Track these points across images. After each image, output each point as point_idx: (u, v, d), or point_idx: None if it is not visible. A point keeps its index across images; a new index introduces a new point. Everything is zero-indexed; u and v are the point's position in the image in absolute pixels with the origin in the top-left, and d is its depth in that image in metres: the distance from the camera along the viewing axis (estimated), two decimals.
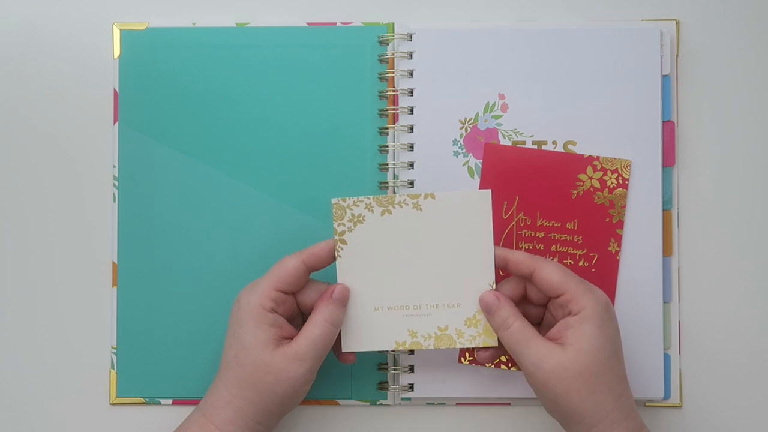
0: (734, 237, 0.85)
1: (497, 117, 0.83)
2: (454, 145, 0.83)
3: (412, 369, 0.83)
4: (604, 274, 0.82)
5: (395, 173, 0.84)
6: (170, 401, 0.84)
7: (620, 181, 0.82)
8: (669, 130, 0.84)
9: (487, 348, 0.78)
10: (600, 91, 0.83)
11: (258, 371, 0.74)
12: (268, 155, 0.84)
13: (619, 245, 0.82)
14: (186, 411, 0.78)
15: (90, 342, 0.84)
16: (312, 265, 0.76)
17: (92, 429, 0.84)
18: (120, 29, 0.85)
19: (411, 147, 0.84)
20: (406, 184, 0.83)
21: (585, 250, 0.82)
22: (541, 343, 0.73)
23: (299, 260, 0.76)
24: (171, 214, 0.84)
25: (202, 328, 0.84)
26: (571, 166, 0.83)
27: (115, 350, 0.84)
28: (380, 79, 0.84)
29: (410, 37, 0.84)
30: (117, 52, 0.85)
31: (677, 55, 0.85)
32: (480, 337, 0.77)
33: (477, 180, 0.83)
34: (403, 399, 0.84)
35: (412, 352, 0.83)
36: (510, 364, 0.82)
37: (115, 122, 0.85)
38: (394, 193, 0.84)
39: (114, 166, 0.85)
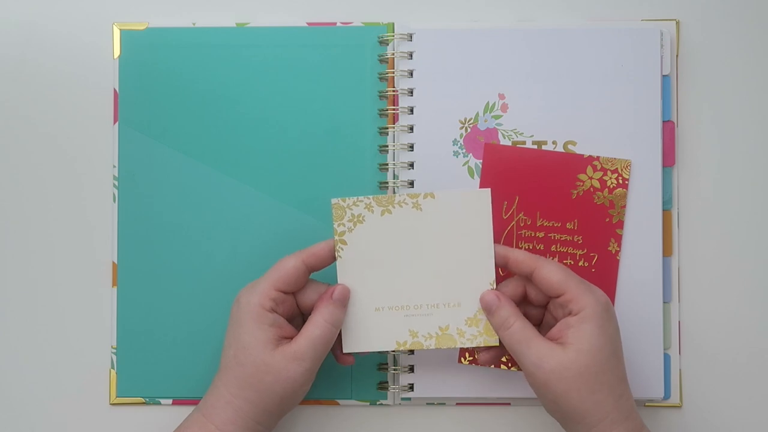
0: (734, 237, 0.85)
1: (497, 117, 0.83)
2: (454, 145, 0.83)
3: (412, 369, 0.83)
4: (604, 274, 0.82)
5: (395, 173, 0.84)
6: (170, 401, 0.84)
7: (620, 181, 0.82)
8: (669, 130, 0.84)
9: (489, 349, 0.78)
10: (600, 91, 0.83)
11: (258, 371, 0.74)
12: (268, 155, 0.84)
13: (619, 245, 0.82)
14: (186, 411, 0.78)
15: (90, 342, 0.84)
16: (312, 265, 0.76)
17: (92, 429, 0.84)
18: (120, 29, 0.85)
19: (411, 147, 0.84)
20: (406, 184, 0.83)
21: (585, 250, 0.82)
22: (541, 343, 0.73)
23: (299, 260, 0.76)
24: (171, 214, 0.84)
25: (202, 328, 0.84)
26: (571, 166, 0.83)
27: (115, 350, 0.84)
28: (380, 79, 0.84)
29: (410, 37, 0.84)
30: (117, 52, 0.85)
31: (677, 55, 0.85)
32: (481, 336, 0.77)
33: (477, 180, 0.83)
34: (403, 399, 0.84)
35: (412, 352, 0.83)
36: (510, 364, 0.82)
37: (115, 122, 0.85)
38: (394, 193, 0.84)
39: (114, 166, 0.85)
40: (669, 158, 0.84)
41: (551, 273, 0.74)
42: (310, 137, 0.84)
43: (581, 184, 0.82)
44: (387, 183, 0.84)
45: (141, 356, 0.84)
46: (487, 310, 0.76)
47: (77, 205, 0.85)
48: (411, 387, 0.83)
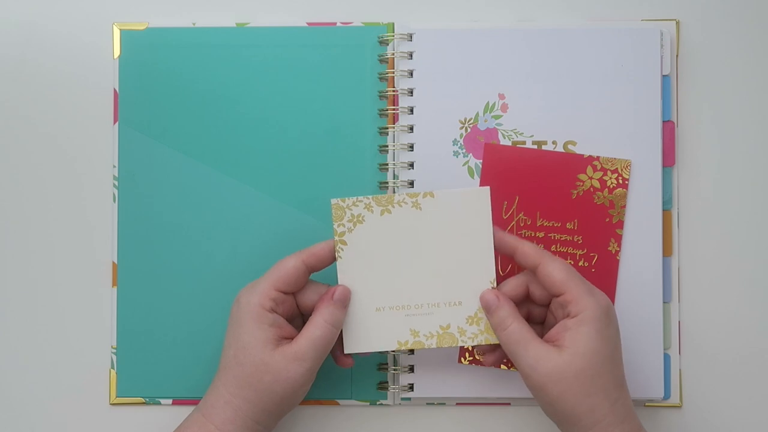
0: (734, 237, 0.85)
1: (497, 117, 0.83)
2: (454, 145, 0.83)
3: (412, 369, 0.83)
4: (604, 274, 0.82)
5: (395, 173, 0.84)
6: (170, 401, 0.84)
7: (620, 181, 0.82)
8: (669, 130, 0.84)
9: (494, 351, 0.78)
10: (600, 91, 0.83)
11: (257, 371, 0.74)
12: (268, 155, 0.84)
13: (619, 245, 0.82)
14: (186, 411, 0.78)
15: (90, 342, 0.84)
16: (312, 265, 0.76)
17: (92, 429, 0.84)
18: (120, 29, 0.85)
19: (411, 147, 0.84)
20: (406, 184, 0.83)
21: (585, 250, 0.82)
22: (538, 345, 0.73)
23: (299, 260, 0.76)
24: (171, 214, 0.84)
25: (202, 328, 0.84)
26: (571, 166, 0.83)
27: (115, 350, 0.84)
28: (380, 79, 0.84)
29: (410, 37, 0.84)
30: (117, 52, 0.85)
31: (677, 55, 0.85)
32: (482, 334, 0.77)
33: (477, 180, 0.83)
34: (403, 399, 0.84)
35: (412, 351, 0.83)
36: (510, 364, 0.82)
37: (115, 122, 0.85)
38: (394, 192, 0.84)
39: (114, 166, 0.85)
40: (669, 158, 0.84)
41: (554, 270, 0.74)
42: (310, 137, 0.84)
43: (581, 184, 0.82)
44: (387, 183, 0.84)
45: (141, 356, 0.84)
46: (487, 309, 0.76)
47: (77, 205, 0.85)
48: (411, 387, 0.83)
